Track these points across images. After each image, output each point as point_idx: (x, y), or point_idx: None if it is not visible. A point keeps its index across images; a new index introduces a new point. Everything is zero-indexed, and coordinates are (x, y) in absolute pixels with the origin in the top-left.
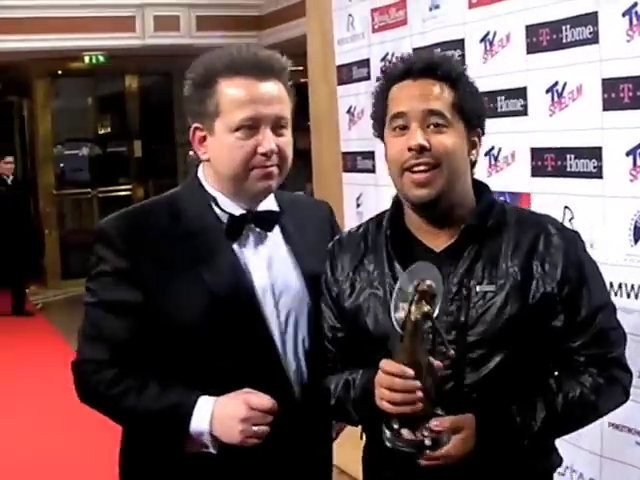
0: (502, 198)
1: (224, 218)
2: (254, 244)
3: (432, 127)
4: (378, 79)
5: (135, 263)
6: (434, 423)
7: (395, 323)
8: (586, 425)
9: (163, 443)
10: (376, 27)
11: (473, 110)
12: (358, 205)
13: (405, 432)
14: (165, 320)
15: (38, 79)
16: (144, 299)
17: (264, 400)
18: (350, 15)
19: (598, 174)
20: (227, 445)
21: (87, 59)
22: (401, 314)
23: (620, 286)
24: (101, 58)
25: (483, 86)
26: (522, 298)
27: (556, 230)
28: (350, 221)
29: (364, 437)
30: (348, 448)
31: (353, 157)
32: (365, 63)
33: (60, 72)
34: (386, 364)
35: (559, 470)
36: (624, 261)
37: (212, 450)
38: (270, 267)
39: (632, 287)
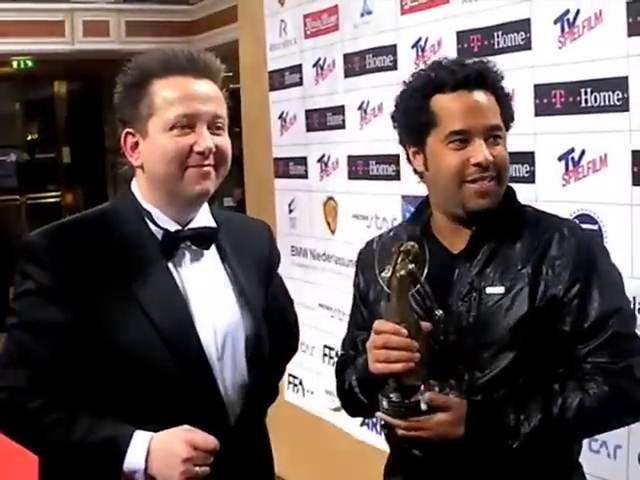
0: None
1: (159, 234)
2: (190, 262)
3: (491, 139)
4: (412, 84)
5: (63, 281)
6: (428, 395)
7: (382, 282)
8: (586, 436)
9: (94, 477)
10: (308, 33)
11: (512, 117)
12: (290, 211)
13: (400, 396)
14: (96, 343)
15: None
16: (73, 319)
17: (209, 441)
18: (282, 21)
19: (531, 179)
20: None
21: (15, 64)
22: (386, 273)
23: None
24: (29, 63)
25: None
26: (530, 300)
27: (570, 233)
28: (282, 226)
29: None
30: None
31: (285, 163)
32: (297, 69)
33: None
34: (378, 324)
35: None
36: None
37: None
38: (207, 288)
39: None
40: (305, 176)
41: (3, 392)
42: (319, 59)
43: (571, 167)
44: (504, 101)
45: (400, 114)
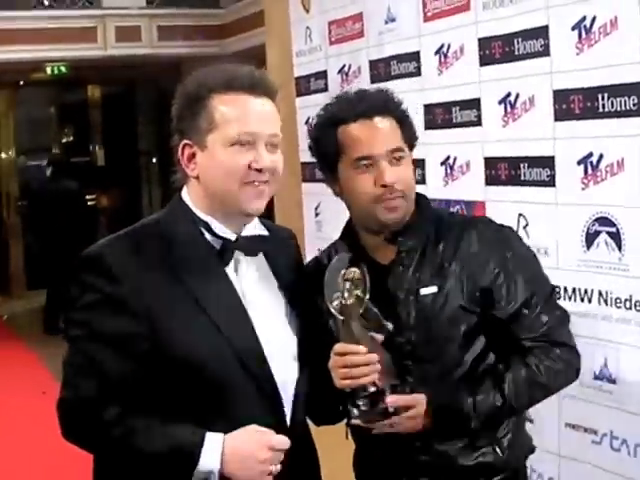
0: (458, 207)
1: (215, 243)
2: (246, 270)
3: (394, 161)
4: (321, 118)
5: (132, 291)
6: (389, 400)
7: (334, 311)
8: (535, 403)
9: None
10: (333, 39)
11: (415, 136)
12: (317, 214)
13: (368, 404)
14: (166, 351)
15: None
16: (143, 329)
17: (283, 441)
18: (308, 27)
19: (551, 182)
20: None
21: (49, 70)
22: (337, 302)
23: (574, 291)
24: (63, 69)
25: (438, 97)
26: (461, 294)
27: (486, 228)
28: (309, 229)
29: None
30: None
31: (312, 167)
32: (322, 75)
33: (22, 82)
34: (340, 346)
35: None
36: (577, 267)
37: None
38: (261, 295)
39: (585, 292)
40: None
41: (73, 403)
42: (344, 65)
43: (590, 171)
44: (405, 123)
45: (313, 145)
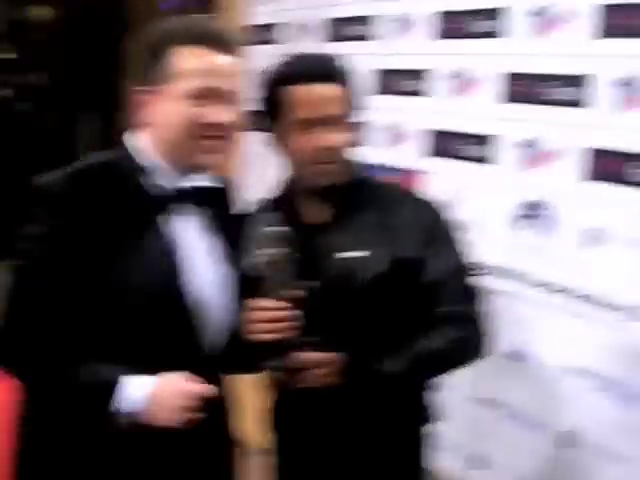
0: (396, 174)
1: (157, 190)
2: (182, 217)
3: (334, 126)
4: (269, 76)
5: (74, 225)
6: (303, 356)
7: (257, 266)
8: (440, 374)
9: (86, 417)
10: None
11: (360, 105)
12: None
13: (281, 360)
14: (99, 286)
15: None
16: (80, 264)
17: (206, 390)
18: None
19: (490, 160)
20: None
21: None
22: (260, 258)
23: (498, 269)
24: None
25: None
26: (384, 261)
27: (417, 200)
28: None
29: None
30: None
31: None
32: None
33: None
34: (261, 302)
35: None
36: (504, 245)
37: (135, 427)
38: (196, 241)
39: (508, 271)
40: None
41: (10, 332)
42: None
43: (529, 154)
44: (349, 90)
45: (259, 100)
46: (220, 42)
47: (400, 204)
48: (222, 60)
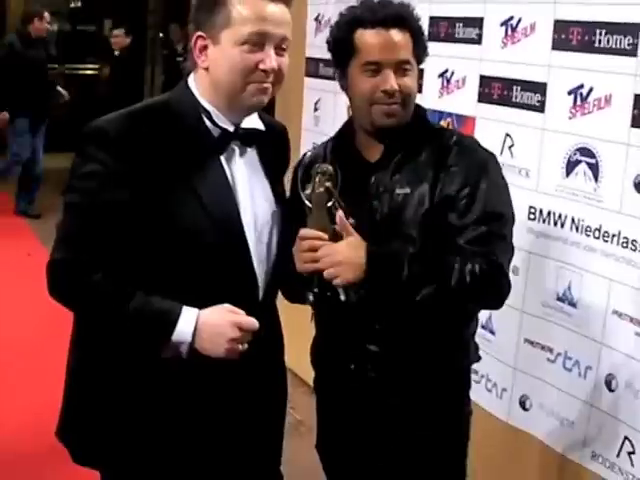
0: (449, 119)
1: (214, 131)
2: (238, 158)
3: (400, 71)
4: (342, 18)
5: (131, 166)
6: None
7: (304, 199)
8: (461, 300)
9: (139, 345)
10: None
11: (424, 53)
12: (316, 109)
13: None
14: (152, 222)
15: None
16: (135, 202)
17: (252, 323)
18: None
19: (540, 108)
20: (198, 353)
21: None
22: (308, 191)
23: (549, 214)
24: None
25: (444, 11)
26: (430, 199)
27: (468, 146)
28: (308, 123)
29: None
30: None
31: (316, 63)
32: None
33: None
34: (304, 231)
35: (475, 378)
36: (555, 191)
37: (183, 356)
38: (250, 181)
39: (559, 216)
40: (333, 77)
41: (62, 263)
42: None
43: (579, 102)
44: (418, 39)
45: (331, 41)
46: None
47: (452, 147)
48: (274, 7)
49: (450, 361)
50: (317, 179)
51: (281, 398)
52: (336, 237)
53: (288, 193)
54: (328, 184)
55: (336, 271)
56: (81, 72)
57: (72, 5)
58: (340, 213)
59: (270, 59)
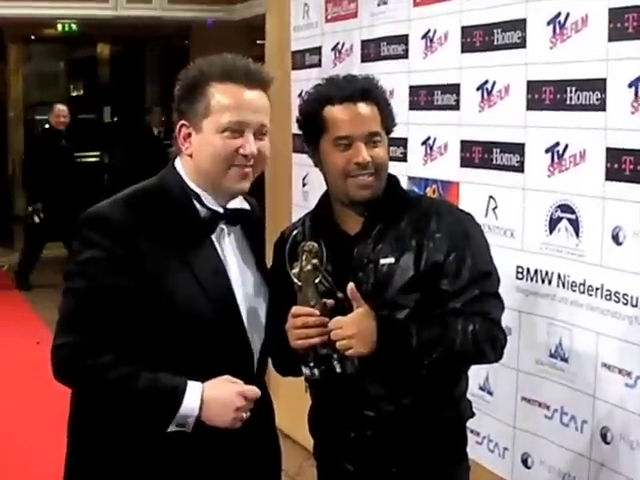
0: (435, 185)
1: (203, 212)
2: (227, 237)
3: (371, 143)
4: (310, 96)
5: (131, 251)
6: (329, 302)
7: (293, 277)
8: (462, 360)
9: (145, 422)
10: (329, 17)
11: (392, 123)
12: (304, 184)
13: (319, 363)
14: (156, 305)
15: (12, 44)
16: (138, 285)
17: (255, 391)
18: (306, 4)
19: (520, 168)
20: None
21: (60, 27)
22: (296, 270)
23: (536, 272)
24: (73, 26)
25: (422, 80)
26: (415, 267)
27: (447, 211)
28: (297, 199)
29: (309, 396)
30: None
31: (302, 139)
32: (317, 51)
33: (33, 37)
34: (296, 309)
35: (476, 439)
36: (540, 249)
37: (187, 430)
38: (239, 260)
39: (546, 273)
40: None
41: (68, 347)
42: (337, 43)
43: (556, 159)
44: (385, 110)
45: (301, 119)
46: (251, 78)
47: (431, 214)
48: (252, 95)
49: (445, 419)
50: (304, 257)
51: (275, 462)
52: (326, 311)
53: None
54: (315, 261)
55: (349, 343)
56: (83, 160)
57: (74, 94)
58: (351, 284)
59: (250, 144)
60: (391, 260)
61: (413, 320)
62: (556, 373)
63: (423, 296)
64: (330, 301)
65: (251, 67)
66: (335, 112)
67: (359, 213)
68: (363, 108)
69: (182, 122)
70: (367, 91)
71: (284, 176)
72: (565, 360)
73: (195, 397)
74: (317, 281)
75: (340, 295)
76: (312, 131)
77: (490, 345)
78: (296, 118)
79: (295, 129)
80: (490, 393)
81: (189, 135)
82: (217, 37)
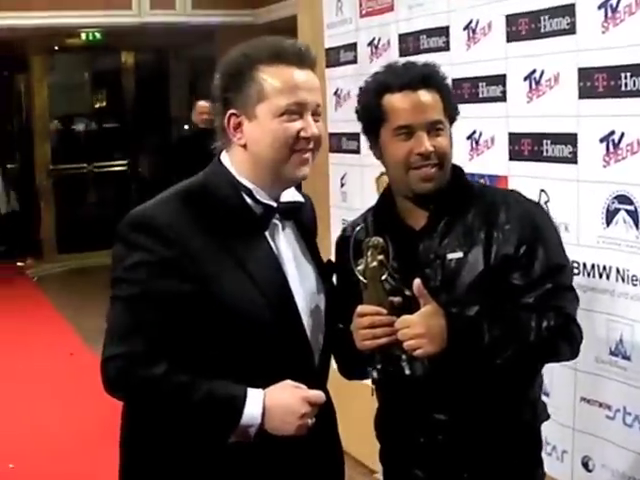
0: (482, 181)
1: (256, 208)
2: (281, 233)
3: (433, 132)
4: (368, 85)
5: (181, 253)
6: (396, 299)
7: (359, 274)
8: (544, 361)
9: (206, 435)
10: (364, 12)
11: (455, 111)
12: (342, 185)
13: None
14: (210, 308)
15: (35, 55)
16: (190, 288)
17: (320, 396)
18: (339, 0)
19: (573, 159)
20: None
21: (84, 36)
22: (361, 267)
23: (593, 267)
24: (97, 35)
25: (465, 72)
26: (484, 261)
27: (516, 202)
28: (335, 199)
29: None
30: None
31: (338, 138)
32: (352, 47)
33: (57, 48)
34: (361, 308)
35: None
36: (596, 243)
37: (249, 440)
38: (294, 255)
39: (603, 268)
40: (357, 151)
41: (119, 359)
42: (373, 38)
43: (611, 149)
44: (447, 98)
45: (359, 110)
46: (301, 58)
47: (499, 205)
48: (305, 75)
49: (521, 421)
50: (369, 253)
51: (339, 470)
52: (394, 310)
53: (327, 264)
54: (381, 257)
55: (417, 343)
56: (108, 169)
57: (97, 105)
58: (417, 281)
59: (311, 126)
60: (459, 255)
61: (484, 317)
62: (617, 371)
63: (494, 291)
64: (397, 299)
65: (300, 46)
66: (394, 100)
67: (423, 207)
68: (424, 95)
69: (231, 111)
70: (428, 77)
71: (321, 177)
72: (627, 358)
73: (257, 405)
74: (383, 278)
75: (407, 293)
76: (371, 122)
77: (566, 342)
78: (355, 109)
79: (331, 128)
80: (546, 394)
81: (239, 125)
82: (242, 42)
